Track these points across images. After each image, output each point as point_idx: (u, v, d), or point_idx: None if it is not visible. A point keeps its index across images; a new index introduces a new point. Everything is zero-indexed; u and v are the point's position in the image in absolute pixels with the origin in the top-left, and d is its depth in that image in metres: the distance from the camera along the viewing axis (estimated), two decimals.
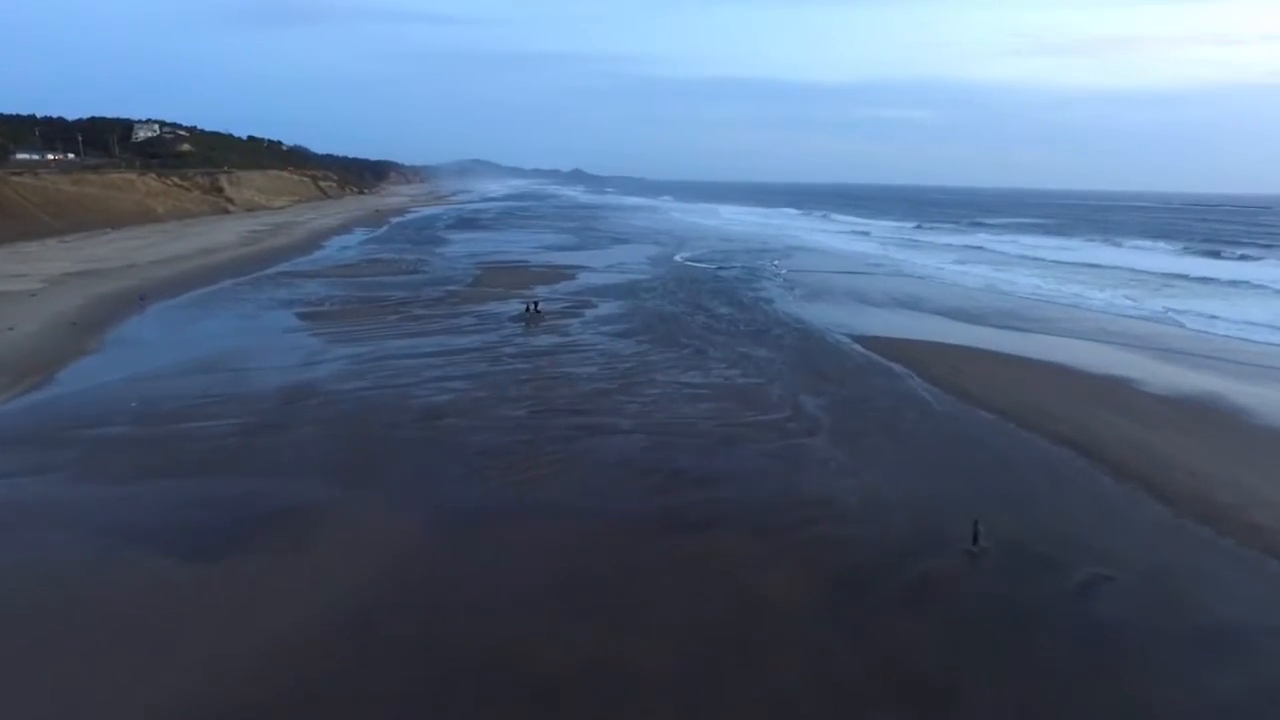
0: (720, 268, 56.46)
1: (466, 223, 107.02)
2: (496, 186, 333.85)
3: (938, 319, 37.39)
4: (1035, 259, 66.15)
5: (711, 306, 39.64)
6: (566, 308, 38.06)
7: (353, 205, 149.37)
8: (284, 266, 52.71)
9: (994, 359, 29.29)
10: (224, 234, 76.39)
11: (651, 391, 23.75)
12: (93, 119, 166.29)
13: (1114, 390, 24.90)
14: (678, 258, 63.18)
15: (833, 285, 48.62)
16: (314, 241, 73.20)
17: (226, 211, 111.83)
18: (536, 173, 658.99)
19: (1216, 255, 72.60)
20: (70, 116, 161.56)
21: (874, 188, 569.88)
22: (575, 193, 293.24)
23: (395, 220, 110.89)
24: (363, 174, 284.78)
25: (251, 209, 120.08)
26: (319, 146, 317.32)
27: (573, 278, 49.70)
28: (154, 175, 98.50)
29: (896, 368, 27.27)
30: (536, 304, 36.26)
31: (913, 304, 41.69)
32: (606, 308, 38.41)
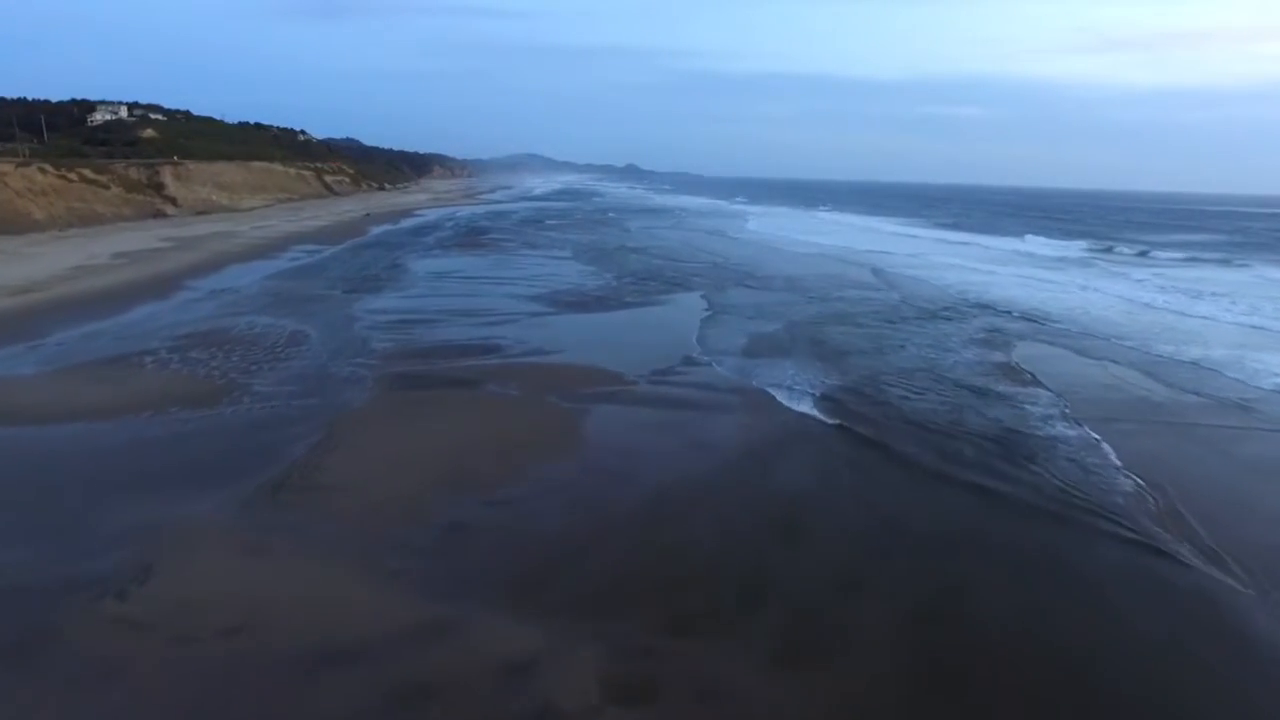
0: (938, 421, 24.86)
1: (470, 235, 78.54)
2: (541, 182, 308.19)
3: None
4: None
5: None
6: None
7: (352, 205, 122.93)
8: None
9: None
10: (46, 262, 48.35)
11: None
12: (68, 102, 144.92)
13: None
14: (807, 353, 32.15)
15: None
16: (181, 278, 44.83)
17: (161, 214, 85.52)
18: (589, 168, 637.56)
19: None
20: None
21: (940, 187, 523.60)
22: (623, 190, 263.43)
23: (380, 229, 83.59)
24: (399, 168, 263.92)
25: (203, 210, 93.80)
26: (371, 139, 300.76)
27: (566, 451, 19.59)
28: (46, 166, 72.12)
29: None
30: None
31: None
32: None
